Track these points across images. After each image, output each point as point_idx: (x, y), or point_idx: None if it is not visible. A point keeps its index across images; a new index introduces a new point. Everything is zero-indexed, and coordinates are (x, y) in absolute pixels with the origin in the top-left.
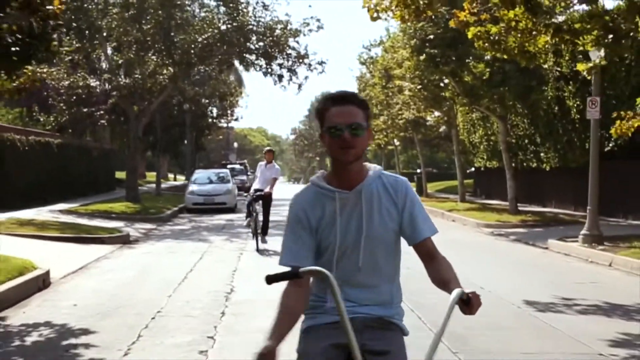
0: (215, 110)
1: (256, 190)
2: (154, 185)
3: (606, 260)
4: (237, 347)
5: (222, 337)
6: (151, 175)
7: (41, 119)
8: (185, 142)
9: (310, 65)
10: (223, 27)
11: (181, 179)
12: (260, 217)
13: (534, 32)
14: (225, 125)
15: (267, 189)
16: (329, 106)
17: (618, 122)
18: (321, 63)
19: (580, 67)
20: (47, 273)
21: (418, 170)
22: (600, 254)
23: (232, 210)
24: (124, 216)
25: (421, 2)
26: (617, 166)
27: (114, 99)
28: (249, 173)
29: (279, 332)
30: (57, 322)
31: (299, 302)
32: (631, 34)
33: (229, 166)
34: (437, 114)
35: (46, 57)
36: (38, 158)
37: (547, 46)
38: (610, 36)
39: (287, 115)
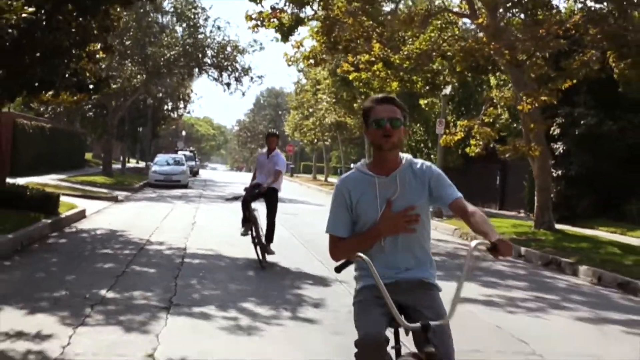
0: (170, 104)
1: (253, 187)
2: (112, 166)
3: (434, 226)
4: (201, 239)
5: (193, 236)
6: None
7: (41, 109)
8: (140, 129)
9: (252, 77)
10: (186, 44)
11: (132, 162)
12: (261, 221)
13: (388, 80)
14: (177, 116)
15: (266, 183)
16: (375, 105)
17: (444, 136)
18: (260, 77)
19: (421, 101)
20: (84, 210)
21: (352, 165)
22: (432, 222)
23: (185, 186)
24: (105, 185)
25: (318, 57)
26: (477, 167)
27: (98, 96)
28: (197, 160)
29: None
30: (105, 227)
31: None
32: (447, 86)
33: (179, 152)
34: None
35: (107, 91)
36: (36, 139)
37: (397, 88)
38: (427, 87)
39: (232, 107)
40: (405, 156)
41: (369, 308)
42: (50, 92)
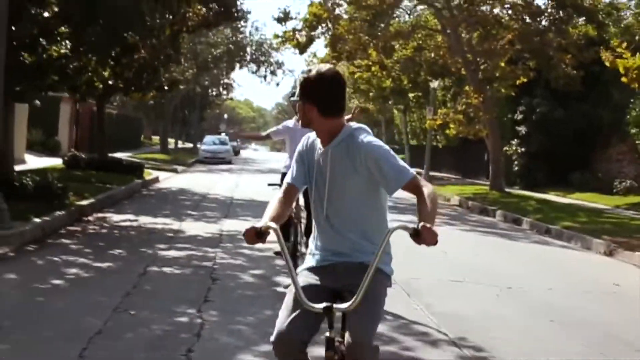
0: (215, 92)
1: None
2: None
3: None
4: (242, 193)
5: (237, 192)
6: (155, 139)
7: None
8: (187, 113)
9: (284, 71)
10: (230, 42)
11: (179, 143)
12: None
13: (382, 79)
14: (220, 102)
15: None
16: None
17: (429, 121)
18: (291, 70)
19: (409, 94)
20: (158, 177)
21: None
22: None
23: (229, 162)
24: (165, 161)
25: (330, 63)
26: (472, 147)
27: None
28: (238, 141)
29: (268, 216)
30: (175, 187)
31: (282, 208)
32: (433, 82)
33: (222, 134)
34: None
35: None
36: (107, 124)
37: (390, 84)
38: (411, 84)
39: (272, 89)
40: (349, 125)
41: (294, 304)
42: (140, 93)
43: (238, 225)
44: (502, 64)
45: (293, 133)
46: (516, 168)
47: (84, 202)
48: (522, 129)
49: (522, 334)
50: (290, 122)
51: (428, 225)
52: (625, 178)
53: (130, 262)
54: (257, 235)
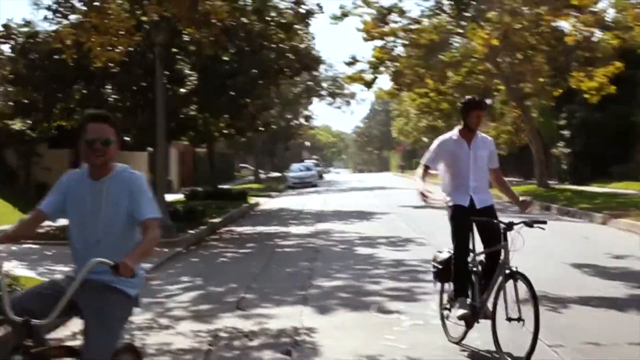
0: (296, 123)
1: (465, 209)
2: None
3: None
4: (328, 207)
5: (325, 207)
6: (244, 172)
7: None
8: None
9: (357, 101)
10: (307, 80)
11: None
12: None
13: (440, 102)
14: (302, 132)
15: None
16: (89, 122)
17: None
18: (363, 100)
19: None
20: (258, 201)
21: None
22: None
23: (315, 186)
24: (260, 189)
25: (393, 93)
26: (527, 153)
27: None
28: (320, 166)
29: (6, 234)
30: (275, 207)
31: (20, 229)
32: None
33: (306, 161)
34: None
35: (270, 130)
36: (204, 160)
37: (447, 107)
38: None
39: (347, 116)
40: (119, 166)
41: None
42: (239, 136)
43: (329, 226)
44: (541, 80)
45: (458, 147)
46: (564, 167)
47: (216, 220)
48: (566, 133)
49: None
50: (448, 135)
51: (125, 261)
52: None
53: (262, 248)
54: None
